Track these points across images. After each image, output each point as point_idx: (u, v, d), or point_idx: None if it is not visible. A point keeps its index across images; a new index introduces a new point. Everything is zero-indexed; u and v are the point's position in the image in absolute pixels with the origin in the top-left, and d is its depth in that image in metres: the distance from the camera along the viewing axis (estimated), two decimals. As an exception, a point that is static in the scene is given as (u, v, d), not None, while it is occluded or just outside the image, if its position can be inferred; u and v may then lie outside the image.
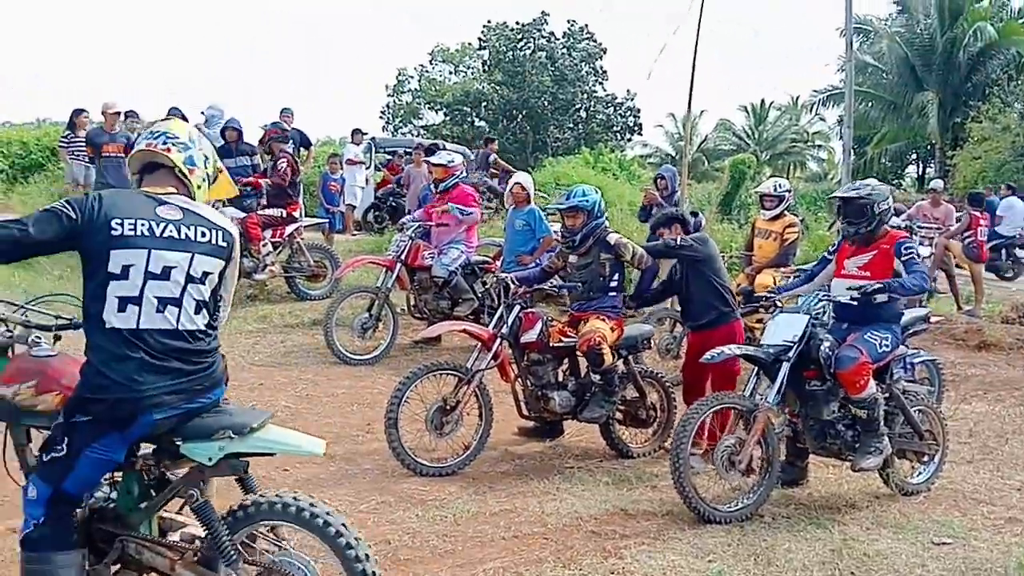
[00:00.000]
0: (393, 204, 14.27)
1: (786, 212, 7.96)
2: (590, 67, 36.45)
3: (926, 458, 5.16)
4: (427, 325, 8.05)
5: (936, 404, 5.63)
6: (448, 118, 37.24)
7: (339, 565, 2.65)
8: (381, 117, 39.77)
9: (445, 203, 7.81)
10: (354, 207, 14.52)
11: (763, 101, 43.46)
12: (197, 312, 2.63)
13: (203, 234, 2.65)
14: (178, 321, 2.58)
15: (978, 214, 10.94)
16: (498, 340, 5.25)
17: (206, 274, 2.65)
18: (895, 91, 28.80)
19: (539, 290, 5.72)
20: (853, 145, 28.93)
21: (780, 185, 7.98)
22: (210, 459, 2.63)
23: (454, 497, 4.69)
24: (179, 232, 2.60)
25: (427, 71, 39.94)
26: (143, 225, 2.55)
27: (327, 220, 12.68)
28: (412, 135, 35.22)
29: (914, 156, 32.80)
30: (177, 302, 2.58)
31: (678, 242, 5.62)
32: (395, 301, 7.92)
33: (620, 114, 36.64)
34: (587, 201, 5.47)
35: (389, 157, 16.85)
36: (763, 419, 4.57)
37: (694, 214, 9.12)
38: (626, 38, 73.63)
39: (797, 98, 41.83)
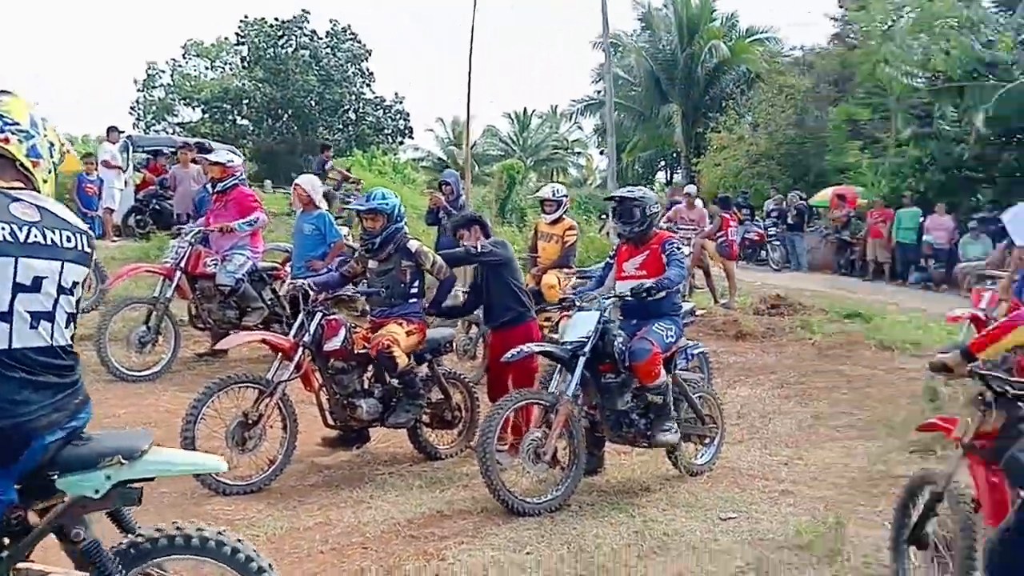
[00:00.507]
0: (157, 207, 13.24)
1: (564, 216, 8.29)
2: (356, 68, 36.08)
3: (708, 440, 5.63)
4: (211, 336, 7.59)
5: (711, 390, 6.15)
6: (207, 116, 35.25)
7: None
8: (131, 113, 36.85)
9: (224, 203, 7.40)
10: (113, 211, 13.28)
11: (525, 109, 45.30)
12: (67, 326, 2.25)
13: (69, 239, 2.26)
14: (52, 337, 2.20)
15: (727, 215, 12.11)
16: (300, 349, 5.05)
17: (75, 284, 2.28)
18: (644, 103, 31.11)
19: (338, 296, 5.59)
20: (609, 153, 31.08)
21: (558, 190, 8.34)
22: (96, 491, 2.22)
23: (264, 515, 4.46)
24: (44, 237, 2.21)
25: (180, 66, 37.55)
26: (3, 229, 2.14)
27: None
28: (168, 133, 32.97)
29: (663, 163, 35.67)
30: (50, 316, 2.20)
31: (479, 248, 5.71)
32: (174, 311, 7.35)
33: (390, 117, 36.59)
34: (387, 204, 5.41)
35: (148, 157, 15.62)
36: (564, 412, 4.76)
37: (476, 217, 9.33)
38: (394, 41, 73.56)
39: (556, 107, 44.04)
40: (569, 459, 4.87)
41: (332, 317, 5.27)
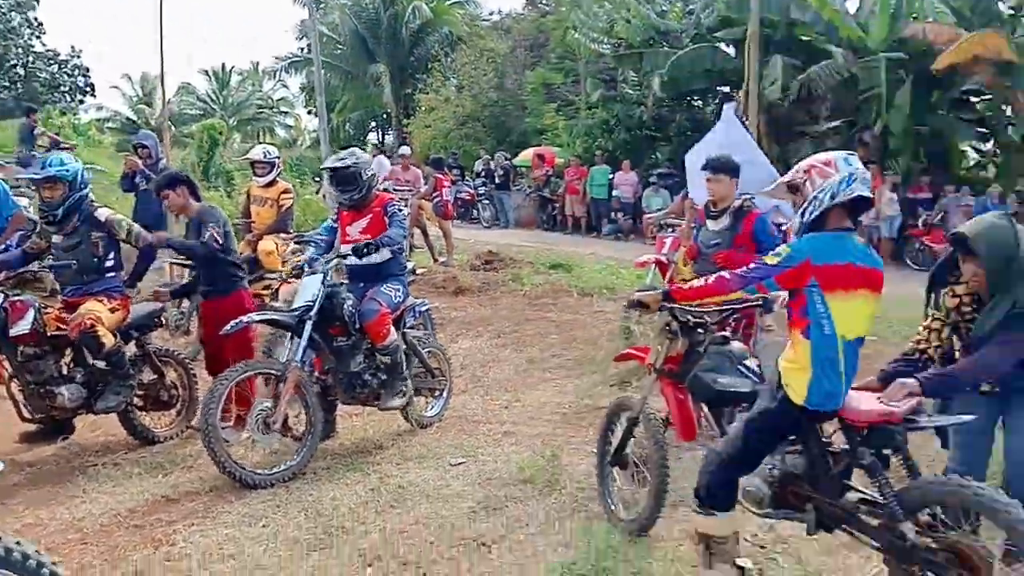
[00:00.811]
0: None
1: (278, 179, 8.03)
2: (23, 17, 31.78)
3: (438, 393, 5.89)
4: None
5: (439, 344, 6.37)
6: None
7: None
8: None
9: None
10: None
11: (224, 65, 42.74)
12: None
13: None
14: None
15: (441, 176, 12.42)
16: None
17: None
18: (351, 62, 30.55)
19: (21, 275, 5.03)
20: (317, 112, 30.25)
21: (270, 152, 8.03)
22: None
23: (-46, 525, 3.96)
24: None
25: None
26: None
27: None
28: None
29: (373, 124, 35.48)
30: None
31: (219, 243, 5.28)
32: None
33: (67, 72, 32.75)
34: (66, 171, 4.90)
35: None
36: (294, 379, 4.72)
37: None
38: (61, -14, 65.53)
39: (258, 64, 42.04)
40: (306, 427, 4.84)
41: (16, 299, 4.73)
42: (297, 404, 4.81)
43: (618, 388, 6.53)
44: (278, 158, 8.05)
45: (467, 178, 20.39)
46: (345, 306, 5.03)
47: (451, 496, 4.53)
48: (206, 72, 42.63)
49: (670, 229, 8.19)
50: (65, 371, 4.91)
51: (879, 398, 3.10)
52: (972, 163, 17.82)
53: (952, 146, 16.74)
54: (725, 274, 3.22)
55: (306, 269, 5.23)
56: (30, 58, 31.72)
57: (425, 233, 12.00)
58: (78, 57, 33.33)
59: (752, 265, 3.17)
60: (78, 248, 4.95)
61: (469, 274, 10.65)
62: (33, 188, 5.67)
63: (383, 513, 4.31)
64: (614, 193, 17.37)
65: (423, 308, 5.94)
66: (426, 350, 5.77)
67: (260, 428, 4.62)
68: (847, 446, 3.16)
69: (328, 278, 5.04)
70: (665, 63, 17.28)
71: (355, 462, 5.00)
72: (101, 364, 4.89)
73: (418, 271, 8.04)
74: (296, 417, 4.86)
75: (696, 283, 3.34)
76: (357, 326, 5.08)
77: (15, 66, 31.15)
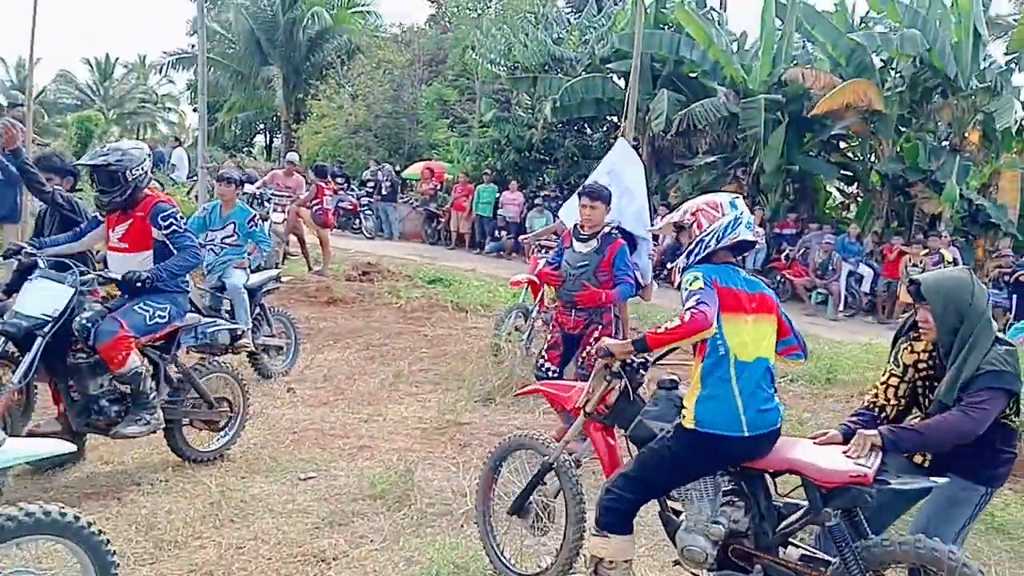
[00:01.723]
0: None
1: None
2: None
3: (222, 425, 5.14)
4: None
5: (236, 372, 5.31)
6: None
7: None
8: None
9: None
10: None
11: (108, 56, 40.95)
12: None
13: None
14: None
15: (323, 184, 12.24)
16: None
17: None
18: (242, 61, 29.79)
19: None
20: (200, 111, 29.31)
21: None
22: None
23: None
24: None
25: None
26: None
27: None
28: None
29: (262, 126, 34.62)
30: None
31: None
32: None
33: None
34: None
35: None
36: (5, 401, 4.10)
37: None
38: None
39: (145, 57, 40.46)
40: None
41: None
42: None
43: (482, 404, 6.57)
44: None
45: (352, 187, 20.15)
46: (80, 319, 4.29)
47: (295, 511, 4.42)
48: (88, 61, 40.75)
49: (544, 250, 8.35)
50: None
51: (844, 452, 3.00)
52: (836, 203, 18.91)
53: (819, 186, 17.74)
54: (688, 314, 2.97)
55: (40, 264, 4.44)
56: None
57: (302, 241, 11.78)
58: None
59: (694, 297, 2.99)
60: None
61: (344, 285, 10.49)
62: None
63: (221, 528, 4.16)
64: (499, 212, 17.54)
65: (210, 330, 5.31)
66: (211, 376, 5.07)
67: None
68: (807, 504, 3.03)
69: (80, 295, 4.34)
70: (558, 89, 17.65)
71: (197, 474, 4.80)
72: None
73: (283, 279, 7.87)
74: None
75: (668, 326, 3.05)
76: (92, 344, 4.33)
77: None
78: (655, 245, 9.70)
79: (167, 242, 4.61)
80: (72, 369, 4.40)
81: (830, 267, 13.74)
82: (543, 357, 5.73)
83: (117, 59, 41.50)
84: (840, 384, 7.70)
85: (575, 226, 5.66)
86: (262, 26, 29.22)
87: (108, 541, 2.78)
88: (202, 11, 13.01)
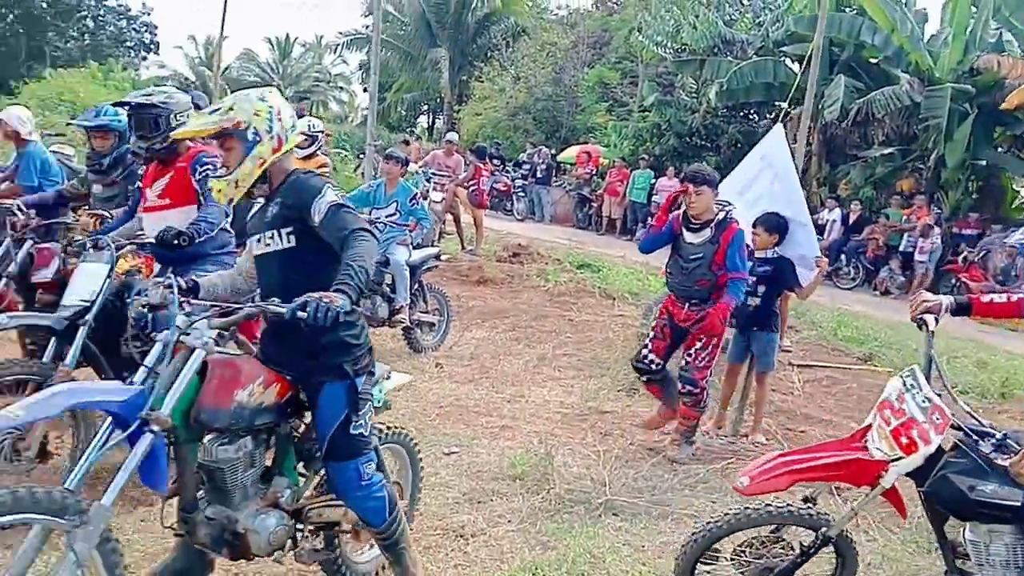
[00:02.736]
0: None
1: (318, 152, 8.09)
2: (99, -27, 32.57)
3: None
4: None
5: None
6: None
7: None
8: None
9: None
10: None
11: (288, 36, 43.27)
12: None
13: None
14: None
15: (481, 165, 12.43)
16: (2, 280, 4.56)
17: None
18: (412, 43, 30.76)
19: (60, 223, 5.05)
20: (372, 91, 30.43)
21: (314, 125, 8.09)
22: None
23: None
24: None
25: None
26: None
27: None
28: None
29: (426, 107, 35.64)
30: None
31: None
32: None
33: (134, 28, 33.47)
34: (119, 121, 4.82)
35: None
36: None
37: None
38: (140, -57, 66.55)
39: (321, 37, 42.47)
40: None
41: (44, 245, 4.76)
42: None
43: (625, 393, 6.49)
44: (321, 132, 8.09)
45: (507, 169, 20.37)
46: (134, 306, 3.63)
47: (438, 484, 4.51)
48: (269, 40, 43.22)
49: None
50: None
51: None
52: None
53: (1006, 184, 16.30)
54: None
55: (88, 248, 4.12)
56: (101, 11, 32.45)
57: (457, 220, 12.01)
58: (148, 15, 34.15)
59: None
60: (114, 200, 4.92)
61: (495, 265, 10.63)
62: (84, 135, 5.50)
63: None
64: (654, 198, 17.22)
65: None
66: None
67: (8, 455, 3.67)
68: None
69: (113, 268, 3.99)
70: (726, 72, 17.10)
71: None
72: None
73: (442, 257, 8.06)
74: (58, 439, 3.92)
75: (997, 298, 2.89)
76: (147, 332, 3.69)
77: (86, 17, 31.94)
78: (821, 240, 9.18)
79: (199, 192, 4.18)
80: (128, 361, 3.93)
81: (1013, 273, 12.61)
82: (647, 347, 5.35)
83: (296, 39, 43.83)
84: (1016, 400, 7.08)
85: (684, 214, 5.15)
86: (433, 8, 30.03)
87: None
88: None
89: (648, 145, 18.78)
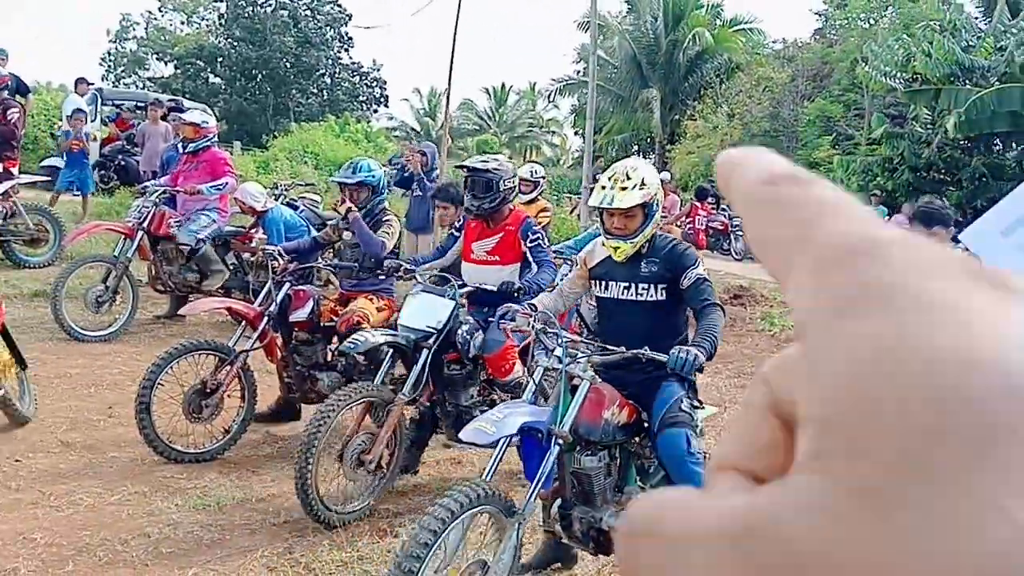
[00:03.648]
0: (123, 163, 13.00)
1: (539, 197, 8.25)
2: (335, 32, 35.63)
3: None
4: (170, 299, 7.49)
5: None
6: (179, 71, 34.68)
7: None
8: (101, 65, 36.14)
9: (194, 164, 7.26)
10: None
11: (504, 84, 45.09)
12: None
13: None
14: None
15: (698, 205, 12.19)
16: (265, 319, 4.98)
17: None
18: (623, 86, 31.03)
19: (311, 267, 5.49)
20: (583, 134, 30.95)
21: (536, 171, 8.27)
22: None
23: (216, 484, 4.41)
24: None
25: (155, 19, 36.83)
26: None
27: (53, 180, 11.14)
28: (138, 87, 32.40)
29: (636, 148, 35.70)
30: None
31: None
32: (134, 272, 7.20)
33: (366, 84, 36.27)
34: (373, 177, 5.24)
35: (116, 111, 15.31)
36: (397, 413, 4.20)
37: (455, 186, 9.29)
38: (375, 5, 72.41)
39: (535, 84, 43.87)
40: (388, 465, 4.27)
41: (300, 287, 5.18)
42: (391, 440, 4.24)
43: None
44: (543, 177, 8.26)
45: (724, 208, 19.81)
46: (461, 331, 4.40)
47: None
48: (486, 90, 45.23)
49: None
50: (329, 358, 5.30)
51: None
52: None
53: None
54: None
55: (418, 277, 4.60)
56: (337, 69, 35.47)
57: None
58: (378, 70, 36.73)
59: None
60: (360, 247, 5.30)
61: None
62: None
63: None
64: (888, 237, 16.08)
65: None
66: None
67: (354, 464, 4.13)
68: None
69: (457, 307, 4.42)
70: (965, 101, 15.72)
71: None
72: (361, 358, 5.16)
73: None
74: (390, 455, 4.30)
75: None
76: (471, 355, 4.46)
77: (323, 75, 35.01)
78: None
79: (529, 255, 4.70)
80: (447, 380, 4.51)
81: None
82: None
83: (511, 87, 45.56)
84: None
85: None
86: (644, 50, 30.19)
87: None
88: (594, 39, 13.70)
89: (879, 180, 17.62)
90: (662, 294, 3.44)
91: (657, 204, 3.46)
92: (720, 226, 18.46)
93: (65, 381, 5.69)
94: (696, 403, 3.46)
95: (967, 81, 16.90)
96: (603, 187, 3.49)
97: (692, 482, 3.31)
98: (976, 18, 20.38)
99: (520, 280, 4.56)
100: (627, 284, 3.51)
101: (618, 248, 3.45)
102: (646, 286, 3.47)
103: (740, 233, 18.22)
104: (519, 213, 4.87)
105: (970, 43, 17.91)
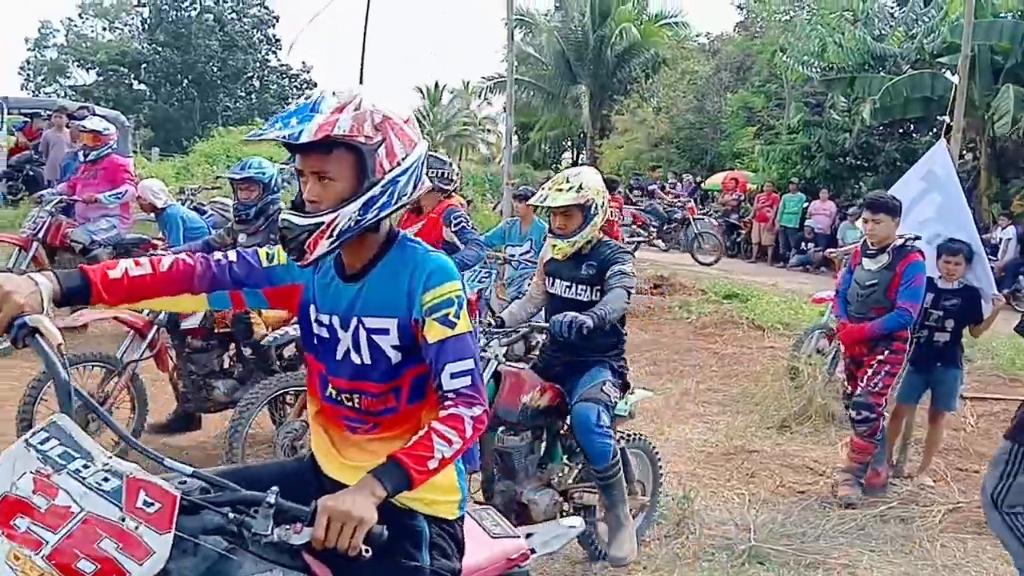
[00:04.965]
0: (30, 173, 12.59)
1: (454, 193, 8.20)
2: (262, 34, 35.12)
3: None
4: (69, 312, 7.27)
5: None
6: (102, 79, 33.80)
7: None
8: (20, 73, 35.01)
9: (93, 172, 7.06)
10: (-19, 176, 12.57)
11: (437, 84, 44.89)
12: None
13: None
14: None
15: (609, 197, 12.31)
16: (154, 327, 4.85)
17: None
18: (553, 82, 31.13)
19: None
20: (518, 131, 31.03)
21: (453, 169, 8.28)
22: None
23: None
24: None
25: (76, 25, 35.83)
26: None
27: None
28: (58, 95, 31.44)
29: (569, 143, 35.92)
30: None
31: None
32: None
33: (296, 86, 35.77)
34: (263, 174, 5.15)
35: (25, 120, 14.80)
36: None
37: None
38: (301, 6, 71.55)
39: (468, 83, 43.81)
40: None
41: (193, 293, 5.07)
42: None
43: (776, 431, 6.12)
44: (458, 175, 8.25)
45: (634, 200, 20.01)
46: None
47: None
48: (420, 89, 45.00)
49: (853, 265, 7.59)
50: (226, 365, 5.20)
51: None
52: None
53: None
54: None
55: None
56: (265, 72, 34.98)
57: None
58: (307, 72, 36.29)
59: None
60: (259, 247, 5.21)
61: (635, 298, 10.36)
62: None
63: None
64: (807, 223, 16.44)
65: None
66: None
67: (288, 451, 4.30)
68: None
69: None
70: (879, 88, 16.17)
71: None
72: (248, 352, 5.05)
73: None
74: None
75: None
76: None
77: (252, 78, 34.47)
78: (993, 259, 8.41)
79: (455, 239, 5.09)
80: None
81: None
82: (845, 385, 5.27)
83: (444, 86, 45.41)
84: None
85: (863, 243, 5.05)
86: (572, 46, 30.35)
87: None
88: (511, 38, 13.73)
89: (798, 168, 18.03)
90: (597, 295, 3.63)
91: (597, 209, 3.65)
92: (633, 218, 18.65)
93: (-51, 400, 5.48)
94: (619, 387, 3.70)
95: (880, 69, 17.39)
96: (545, 188, 3.81)
97: (598, 452, 3.39)
98: (891, 7, 20.98)
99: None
100: (568, 284, 3.75)
101: (556, 246, 3.71)
102: (584, 287, 3.70)
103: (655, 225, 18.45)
104: (445, 203, 5.31)
105: (883, 32, 18.43)
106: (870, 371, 4.85)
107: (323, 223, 1.75)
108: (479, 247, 5.37)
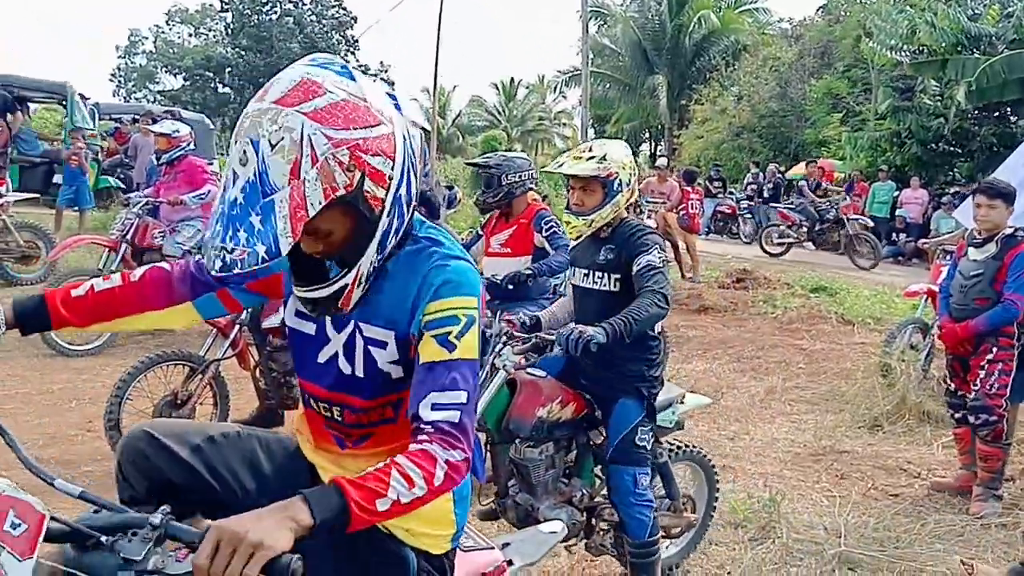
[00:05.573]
0: (121, 176, 13.08)
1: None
2: (341, 36, 35.74)
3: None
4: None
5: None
6: (188, 83, 34.96)
7: None
8: (112, 80, 36.55)
9: (173, 175, 7.25)
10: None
11: (512, 79, 44.95)
12: None
13: None
14: None
15: (689, 189, 12.05)
16: (237, 326, 4.93)
17: None
18: (629, 73, 30.81)
19: None
20: (594, 124, 30.77)
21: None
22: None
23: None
24: None
25: (163, 32, 37.19)
26: None
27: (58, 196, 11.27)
28: (148, 101, 32.69)
29: (647, 135, 35.43)
30: None
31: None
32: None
33: (374, 86, 36.33)
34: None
35: (116, 125, 15.40)
36: None
37: (449, 187, 9.24)
38: (381, 7, 72.77)
39: (543, 77, 43.70)
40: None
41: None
42: None
43: (867, 431, 5.86)
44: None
45: (730, 190, 19.57)
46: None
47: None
48: (495, 85, 45.13)
49: (950, 256, 7.25)
50: None
51: None
52: None
53: None
54: None
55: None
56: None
57: (675, 247, 11.64)
58: (385, 72, 36.78)
59: None
60: None
61: (716, 292, 10.13)
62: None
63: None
64: (898, 212, 15.77)
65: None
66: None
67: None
68: None
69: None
70: (974, 71, 15.39)
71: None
72: None
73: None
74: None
75: None
76: None
77: (334, 78, 35.16)
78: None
79: (546, 245, 4.79)
80: None
81: None
82: (950, 383, 4.91)
83: (520, 81, 45.41)
84: None
85: (970, 231, 4.78)
86: (649, 36, 29.94)
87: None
88: (585, 31, 13.58)
89: (888, 155, 17.33)
90: (615, 285, 3.17)
91: (622, 185, 3.17)
92: (728, 209, 18.24)
93: (47, 397, 5.69)
94: (651, 419, 3.25)
95: (974, 50, 16.57)
96: (565, 155, 3.40)
97: (636, 523, 3.08)
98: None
99: (533, 265, 4.69)
100: (586, 271, 3.29)
101: (570, 223, 3.25)
102: (601, 274, 3.22)
103: (748, 216, 18.01)
104: (534, 206, 4.95)
105: (976, 11, 17.55)
106: (982, 372, 4.57)
107: (347, 284, 1.54)
108: (567, 252, 5.25)
